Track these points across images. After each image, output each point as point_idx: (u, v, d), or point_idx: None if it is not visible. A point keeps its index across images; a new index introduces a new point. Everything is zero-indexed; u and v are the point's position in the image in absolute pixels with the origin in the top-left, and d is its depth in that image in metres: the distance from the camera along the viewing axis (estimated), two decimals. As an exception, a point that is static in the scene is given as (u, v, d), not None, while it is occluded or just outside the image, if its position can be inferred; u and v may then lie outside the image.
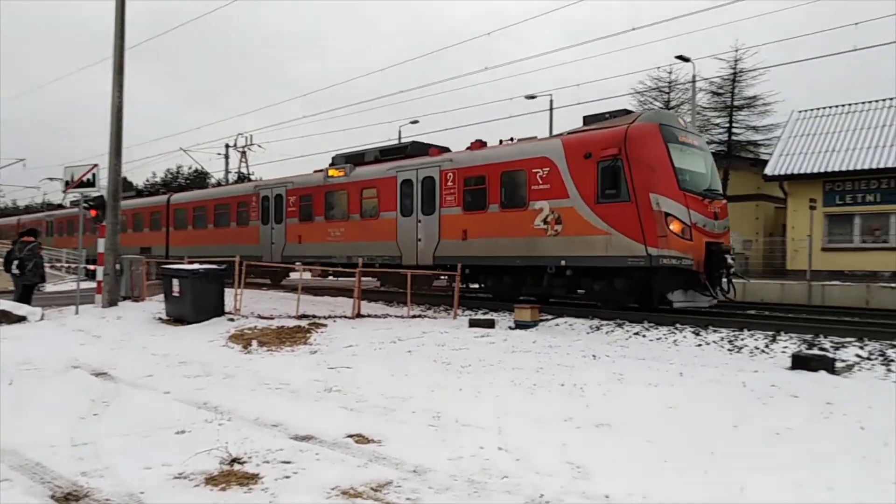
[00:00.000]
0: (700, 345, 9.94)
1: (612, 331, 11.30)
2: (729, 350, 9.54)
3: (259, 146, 39.58)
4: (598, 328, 11.58)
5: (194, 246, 23.17)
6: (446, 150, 16.94)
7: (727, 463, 4.63)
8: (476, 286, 16.60)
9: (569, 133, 13.60)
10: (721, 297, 12.59)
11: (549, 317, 12.70)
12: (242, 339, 10.21)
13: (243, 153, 38.60)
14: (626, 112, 13.53)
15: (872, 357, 8.38)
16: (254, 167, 38.40)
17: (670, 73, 31.45)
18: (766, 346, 9.37)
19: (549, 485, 4.17)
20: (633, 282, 12.60)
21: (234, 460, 4.53)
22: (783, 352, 8.93)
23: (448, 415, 5.88)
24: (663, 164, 11.92)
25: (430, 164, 15.93)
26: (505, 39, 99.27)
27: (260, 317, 12.33)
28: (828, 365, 7.85)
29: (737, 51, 29.25)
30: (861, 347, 8.77)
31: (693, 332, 10.47)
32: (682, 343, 10.14)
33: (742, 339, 9.82)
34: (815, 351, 8.78)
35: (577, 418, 5.80)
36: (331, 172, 18.54)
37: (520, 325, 12.00)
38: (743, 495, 4.02)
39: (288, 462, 4.57)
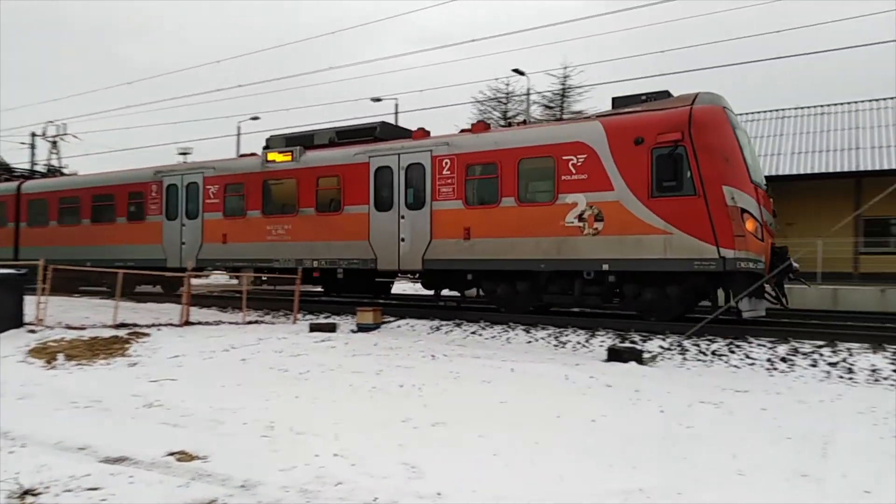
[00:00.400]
0: (530, 341, 10.58)
1: (451, 331, 11.65)
2: (555, 346, 10.27)
3: (74, 136, 35.39)
4: (438, 328, 11.88)
5: (61, 246, 18.68)
6: (428, 134, 13.89)
7: (550, 452, 4.96)
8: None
9: (608, 115, 11.54)
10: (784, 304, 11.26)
11: (392, 318, 12.79)
12: (45, 353, 9.01)
13: (54, 143, 34.32)
14: (667, 93, 11.53)
15: (672, 348, 9.50)
16: (68, 160, 34.06)
17: (507, 85, 33.29)
18: (587, 342, 10.23)
19: (384, 487, 4.17)
20: (687, 289, 10.98)
21: (27, 492, 3.98)
22: (601, 346, 9.80)
23: (282, 424, 5.66)
24: (735, 153, 10.48)
25: (416, 148, 13.18)
26: (356, 41, 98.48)
27: (69, 327, 10.98)
28: (637, 356, 8.77)
29: (565, 68, 31.71)
30: (664, 339, 9.89)
31: (524, 330, 11.13)
32: (515, 340, 10.74)
33: (566, 336, 10.62)
34: (627, 344, 9.77)
35: (415, 419, 5.88)
36: (272, 156, 15.10)
37: (362, 328, 11.94)
38: (562, 482, 4.33)
39: (95, 489, 4.10)
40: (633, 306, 11.47)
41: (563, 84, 32.15)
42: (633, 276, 11.07)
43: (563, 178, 11.37)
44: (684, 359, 9.11)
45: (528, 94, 28.68)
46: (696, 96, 10.76)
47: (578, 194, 11.21)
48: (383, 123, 14.95)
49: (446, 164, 12.72)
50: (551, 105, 32.97)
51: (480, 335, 11.21)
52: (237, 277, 16.87)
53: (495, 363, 8.42)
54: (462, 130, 13.67)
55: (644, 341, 9.94)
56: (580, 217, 11.17)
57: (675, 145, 10.34)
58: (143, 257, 17.03)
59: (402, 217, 13.20)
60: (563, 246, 11.33)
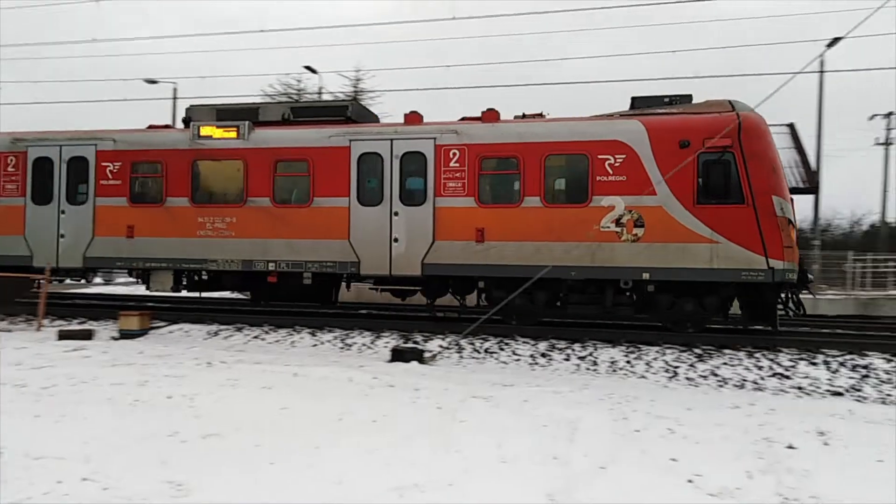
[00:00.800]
0: (316, 345, 10.44)
1: (231, 335, 11.01)
2: (341, 348, 10.26)
3: None
4: (216, 333, 11.13)
5: None
6: (422, 119, 11.96)
7: (330, 455, 4.93)
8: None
9: (647, 114, 10.79)
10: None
11: (163, 324, 11.68)
12: None
13: None
14: (690, 97, 11.12)
15: (451, 347, 10.08)
16: None
17: (299, 81, 32.51)
18: (372, 343, 10.39)
19: (143, 510, 3.78)
20: (724, 299, 10.74)
21: None
22: (385, 346, 10.03)
23: (14, 449, 4.82)
24: (778, 162, 10.42)
25: (415, 134, 11.37)
26: (129, 17, 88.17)
27: None
28: (418, 356, 9.15)
29: (358, 71, 31.96)
30: (443, 339, 10.45)
31: (310, 333, 10.94)
32: (300, 344, 10.50)
33: (353, 338, 10.67)
34: (410, 344, 10.13)
35: (183, 432, 5.42)
36: (207, 130, 12.10)
37: (125, 335, 10.74)
38: (341, 484, 4.33)
39: None
40: (665, 317, 10.86)
41: (355, 87, 32.38)
42: (671, 286, 10.53)
43: (599, 178, 10.55)
44: (461, 357, 9.72)
45: (319, 92, 28.36)
46: (732, 103, 10.57)
47: (616, 197, 10.45)
48: (354, 102, 12.86)
49: (454, 154, 11.14)
50: (344, 107, 33.00)
51: (263, 339, 10.77)
52: (148, 282, 12.78)
53: (278, 368, 8.15)
54: (463, 118, 11.81)
55: (426, 341, 10.39)
56: (618, 221, 10.43)
57: (723, 151, 10.06)
58: None
59: (396, 214, 11.34)
60: (598, 252, 10.48)
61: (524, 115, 11.66)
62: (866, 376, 8.52)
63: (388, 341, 10.39)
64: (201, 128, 12.10)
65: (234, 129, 11.99)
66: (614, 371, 9.07)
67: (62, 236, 12.67)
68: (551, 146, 10.83)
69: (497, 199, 11.12)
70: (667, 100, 11.11)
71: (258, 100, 30.69)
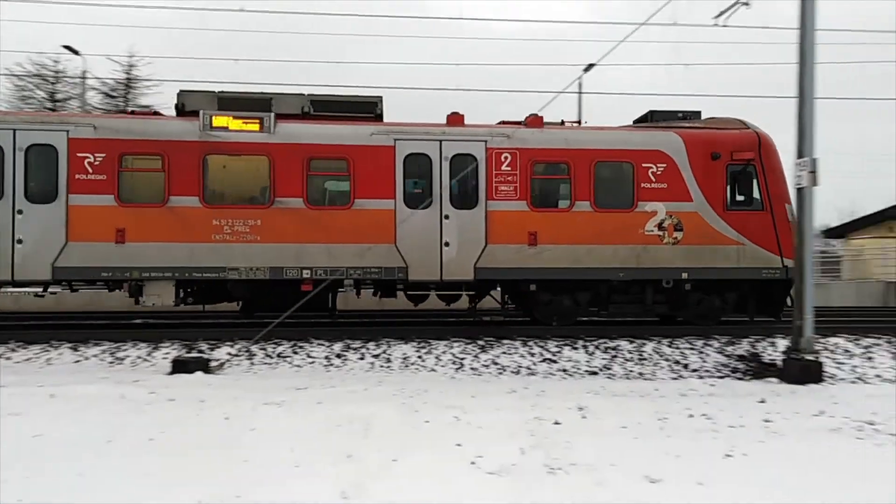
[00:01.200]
0: (79, 360, 9.23)
1: (-35, 356, 9.23)
2: (111, 363, 9.21)
3: None
4: (-58, 355, 9.25)
5: None
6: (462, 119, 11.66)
7: (97, 482, 4.40)
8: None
9: (682, 127, 11.92)
10: None
11: None
12: None
13: None
14: (699, 114, 12.48)
15: (241, 354, 9.59)
16: None
17: (57, 62, 28.31)
18: (149, 355, 9.48)
19: None
20: (742, 295, 11.91)
21: None
22: (165, 358, 9.21)
23: None
24: (785, 174, 11.51)
25: (466, 136, 11.25)
26: None
27: None
28: (204, 365, 8.58)
29: (131, 56, 28.83)
30: (231, 346, 9.90)
31: (71, 348, 9.62)
32: (59, 361, 9.21)
33: (125, 350, 9.62)
34: (194, 354, 9.43)
35: None
36: (222, 121, 10.62)
37: None
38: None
39: None
40: (693, 313, 11.82)
41: (128, 73, 29.19)
42: (702, 285, 11.64)
43: (643, 185, 11.38)
44: (252, 363, 9.32)
45: (83, 77, 25.03)
46: (743, 121, 12.11)
47: (658, 203, 11.38)
48: (378, 98, 11.72)
49: (506, 158, 11.21)
50: (114, 94, 29.54)
51: (9, 358, 9.21)
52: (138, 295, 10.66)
53: (29, 390, 7.05)
54: (501, 122, 11.85)
55: (213, 349, 9.76)
56: (660, 226, 11.36)
57: (747, 163, 11.42)
58: None
59: (447, 217, 11.08)
60: (643, 254, 11.32)
61: (562, 122, 12.16)
62: (615, 356, 9.97)
63: (169, 352, 9.57)
64: (213, 117, 10.69)
65: (257, 120, 10.78)
66: (406, 367, 9.42)
67: (19, 241, 10.15)
68: (601, 153, 11.48)
69: (549, 203, 11.62)
70: (681, 115, 12.43)
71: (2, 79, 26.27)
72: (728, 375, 9.34)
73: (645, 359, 9.90)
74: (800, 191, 9.12)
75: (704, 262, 11.45)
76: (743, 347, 10.26)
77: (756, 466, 4.95)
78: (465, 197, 11.32)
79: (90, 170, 10.43)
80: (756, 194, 11.71)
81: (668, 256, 11.43)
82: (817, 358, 8.96)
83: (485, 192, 11.23)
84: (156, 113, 12.02)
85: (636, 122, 12.71)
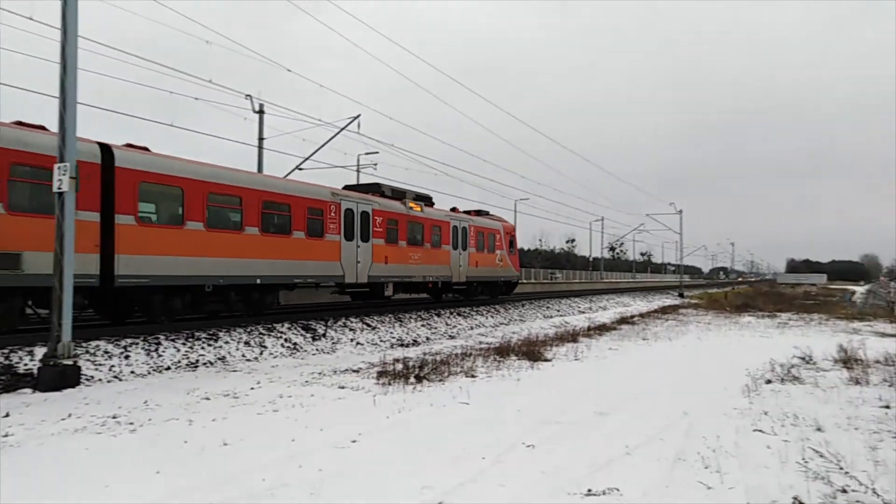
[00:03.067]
0: None
1: None
2: None
3: None
4: None
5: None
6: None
7: None
8: None
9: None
10: None
11: None
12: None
13: None
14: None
15: None
16: None
17: None
18: None
19: None
20: None
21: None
22: None
23: None
24: None
25: (461, 219, 25.02)
26: None
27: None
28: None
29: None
30: None
31: None
32: None
33: None
34: None
35: None
36: (413, 205, 21.62)
37: None
38: None
39: None
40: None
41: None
42: None
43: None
44: None
45: None
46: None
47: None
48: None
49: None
50: None
51: None
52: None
53: None
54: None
55: None
56: None
57: None
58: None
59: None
60: None
61: None
62: None
63: None
64: (410, 203, 21.52)
65: (420, 205, 22.13)
66: None
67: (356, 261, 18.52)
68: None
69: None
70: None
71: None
72: (-25, 392, 8.27)
73: None
74: (60, 195, 8.93)
75: None
76: (-4, 360, 9.31)
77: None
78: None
79: (378, 227, 19.60)
80: None
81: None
82: (76, 362, 9.03)
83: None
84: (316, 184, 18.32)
85: None
